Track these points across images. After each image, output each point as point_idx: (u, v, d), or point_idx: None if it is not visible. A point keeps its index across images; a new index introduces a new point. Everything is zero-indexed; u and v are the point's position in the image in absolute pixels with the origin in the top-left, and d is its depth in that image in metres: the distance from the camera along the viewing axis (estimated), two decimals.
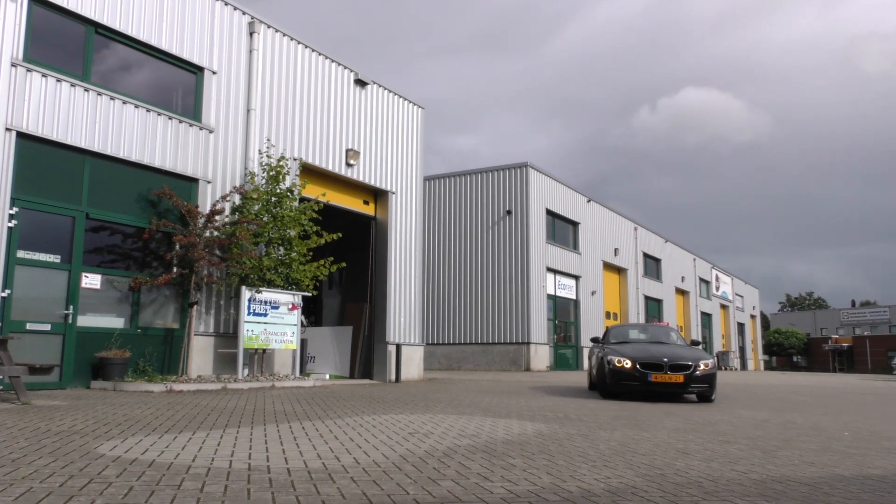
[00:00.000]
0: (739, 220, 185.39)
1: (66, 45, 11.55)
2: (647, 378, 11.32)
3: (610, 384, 11.77)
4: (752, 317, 65.65)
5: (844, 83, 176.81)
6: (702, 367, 11.41)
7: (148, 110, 12.25)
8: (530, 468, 4.75)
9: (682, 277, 46.02)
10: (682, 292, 46.38)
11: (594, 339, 15.00)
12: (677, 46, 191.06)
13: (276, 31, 14.89)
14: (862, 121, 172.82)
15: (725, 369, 45.67)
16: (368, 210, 17.54)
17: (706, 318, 50.74)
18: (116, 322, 11.71)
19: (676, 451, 5.83)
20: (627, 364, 11.53)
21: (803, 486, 4.48)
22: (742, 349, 59.26)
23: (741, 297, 61.20)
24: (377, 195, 17.68)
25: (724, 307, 55.75)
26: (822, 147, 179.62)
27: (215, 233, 12.67)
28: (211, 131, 13.32)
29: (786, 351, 67.12)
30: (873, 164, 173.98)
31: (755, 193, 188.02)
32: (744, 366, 58.30)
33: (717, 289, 53.88)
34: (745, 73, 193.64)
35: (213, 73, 13.50)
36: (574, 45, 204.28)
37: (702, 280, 50.30)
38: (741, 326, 60.28)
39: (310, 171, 15.45)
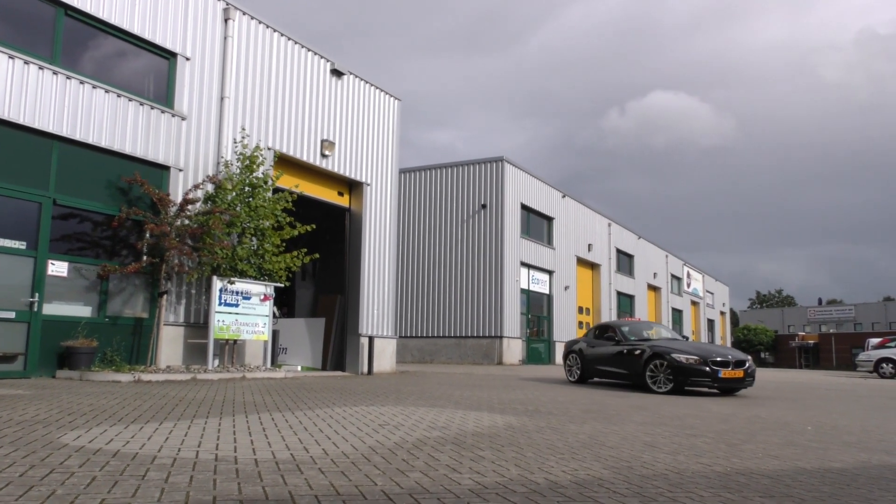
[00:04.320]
0: (710, 218, 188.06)
1: (34, 27, 11.30)
2: (717, 374, 12.10)
3: (676, 381, 12.22)
4: (722, 313, 66.60)
5: (805, 90, 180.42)
6: (749, 362, 12.67)
7: (119, 95, 12.04)
8: (499, 460, 4.76)
9: (655, 274, 46.50)
10: (654, 288, 46.87)
11: (586, 334, 15.54)
12: (647, 50, 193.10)
13: (252, 18, 14.71)
14: (822, 126, 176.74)
15: None
16: (343, 201, 17.44)
17: (677, 314, 51.36)
18: (84, 311, 11.52)
19: (644, 444, 5.90)
20: (695, 360, 12.18)
21: (766, 478, 4.56)
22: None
23: (711, 293, 62.04)
24: (352, 187, 17.59)
25: (694, 304, 56.47)
26: (786, 150, 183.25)
27: (187, 222, 12.51)
28: (184, 118, 13.13)
29: (754, 347, 68.28)
30: (836, 166, 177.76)
31: (725, 193, 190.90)
32: None
33: (689, 285, 54.56)
34: (712, 78, 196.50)
35: (187, 59, 13.30)
36: (549, 45, 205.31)
37: (674, 277, 50.89)
38: (711, 323, 61.12)
39: (284, 162, 15.32)
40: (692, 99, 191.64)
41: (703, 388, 12.63)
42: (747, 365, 12.52)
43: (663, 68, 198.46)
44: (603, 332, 15.12)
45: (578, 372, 15.09)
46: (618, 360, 13.67)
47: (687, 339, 15.87)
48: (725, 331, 67.06)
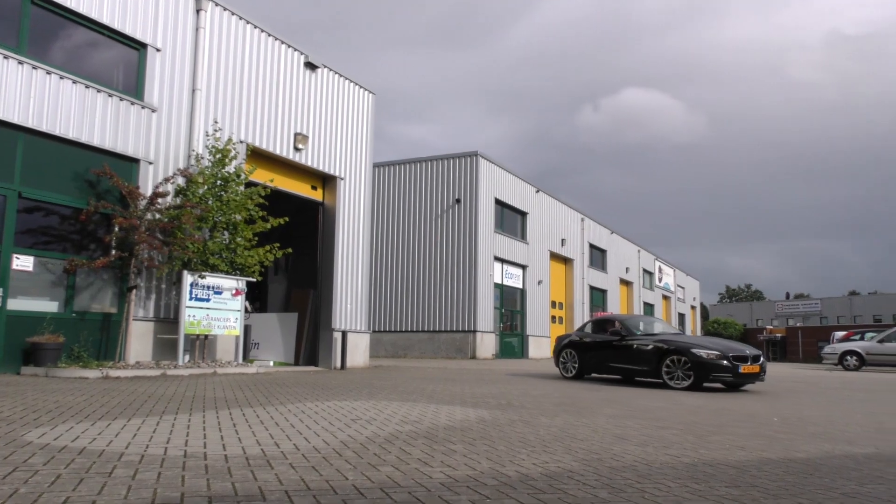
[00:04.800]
0: (682, 214, 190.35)
1: None
2: (738, 369, 12.05)
3: (697, 376, 12.08)
4: (693, 308, 67.50)
5: (775, 88, 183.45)
6: (762, 357, 12.77)
7: (87, 87, 11.82)
8: (471, 454, 4.79)
9: (627, 268, 46.96)
10: (626, 283, 47.33)
11: (579, 330, 15.29)
12: (621, 47, 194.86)
13: (224, 9, 14.53)
14: (791, 124, 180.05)
15: None
16: (316, 195, 17.33)
17: (649, 308, 51.93)
18: (50, 306, 11.32)
19: (614, 436, 5.96)
20: (716, 355, 12.11)
21: (732, 469, 4.63)
22: None
23: (682, 288, 62.84)
24: (325, 181, 17.49)
25: (666, 298, 57.15)
26: (756, 148, 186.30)
27: (157, 216, 12.34)
28: (154, 110, 12.94)
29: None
30: (804, 164, 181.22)
31: (696, 189, 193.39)
32: None
33: (660, 280, 55.19)
34: (684, 75, 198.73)
35: (157, 50, 13.10)
36: (524, 41, 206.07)
37: (645, 271, 51.43)
38: (682, 317, 61.91)
39: (257, 155, 15.18)
40: (664, 96, 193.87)
41: (719, 384, 12.57)
42: (762, 360, 12.58)
43: (636, 65, 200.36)
44: (601, 326, 14.78)
45: (575, 368, 14.58)
46: (626, 356, 13.35)
47: (684, 332, 15.88)
48: (696, 324, 67.97)
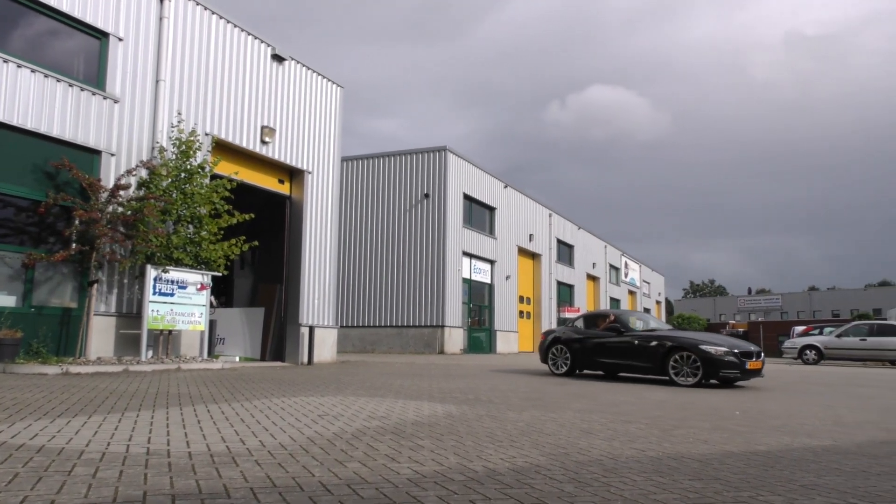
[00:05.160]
0: (648, 210, 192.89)
1: None
2: (744, 365, 12.06)
3: (706, 372, 11.97)
4: (658, 303, 68.47)
5: (736, 87, 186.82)
6: (762, 353, 12.88)
7: (46, 76, 11.52)
8: (438, 449, 4.78)
9: (594, 263, 47.41)
10: (592, 278, 47.79)
11: (564, 322, 15.08)
12: (587, 45, 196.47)
13: None
14: (752, 122, 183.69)
15: None
16: (283, 189, 17.16)
17: (615, 303, 52.52)
18: (7, 300, 11.03)
19: (581, 430, 6.02)
20: (724, 351, 12.06)
21: (695, 462, 4.71)
22: None
23: (648, 283, 63.68)
24: (293, 174, 17.32)
25: (632, 293, 57.86)
26: (718, 145, 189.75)
27: (120, 209, 12.10)
28: (116, 101, 12.67)
29: None
30: (765, 161, 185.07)
31: (661, 186, 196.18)
32: None
33: (626, 275, 55.85)
34: (649, 73, 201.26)
35: (120, 39, 12.82)
36: (493, 36, 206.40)
37: (612, 266, 51.99)
38: (647, 311, 62.74)
39: (223, 148, 14.96)
40: (630, 93, 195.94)
41: (715, 380, 12.47)
42: (762, 356, 12.68)
43: (603, 62, 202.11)
44: (592, 321, 14.52)
45: (567, 364, 14.12)
46: (626, 352, 13.09)
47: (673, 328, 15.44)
48: (661, 319, 68.96)
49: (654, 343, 12.71)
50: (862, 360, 26.64)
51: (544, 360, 14.82)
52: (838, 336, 26.87)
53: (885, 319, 40.38)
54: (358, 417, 6.31)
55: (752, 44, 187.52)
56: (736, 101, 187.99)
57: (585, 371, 14.39)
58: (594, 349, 13.72)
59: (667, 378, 12.49)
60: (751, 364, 12.16)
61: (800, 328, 38.83)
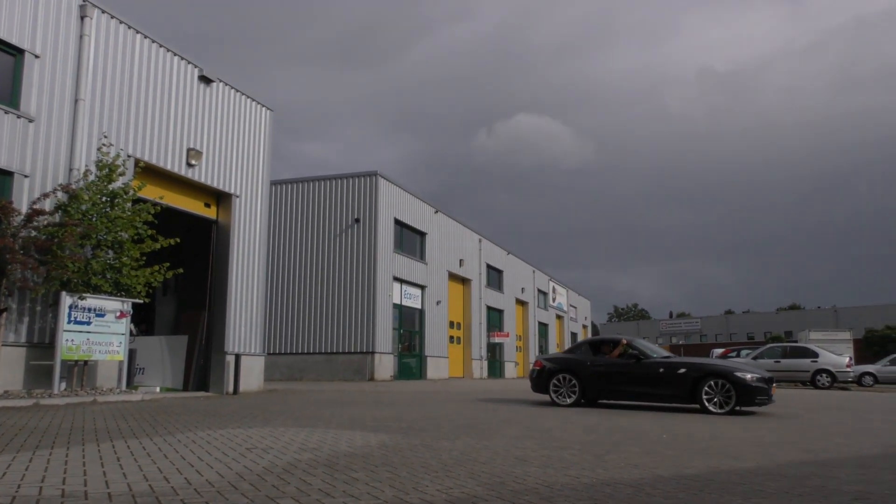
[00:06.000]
0: (574, 235, 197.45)
1: None
2: (769, 390, 11.98)
3: (740, 400, 11.76)
4: (585, 327, 69.83)
5: (654, 118, 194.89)
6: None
7: None
8: (373, 481, 4.68)
9: (523, 288, 48.02)
10: (521, 303, 48.36)
11: (572, 349, 14.21)
12: (515, 73, 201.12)
13: (112, 17, 13.83)
14: (669, 153, 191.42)
15: None
16: (210, 213, 16.71)
17: (543, 327, 53.26)
18: None
19: (515, 458, 6.01)
20: (758, 378, 11.94)
21: (629, 487, 4.76)
22: None
23: (575, 307, 64.90)
24: (220, 198, 16.90)
25: (559, 317, 58.83)
26: (638, 173, 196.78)
27: (34, 233, 11.49)
28: (31, 120, 12.10)
29: None
30: (681, 190, 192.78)
31: (586, 212, 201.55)
32: None
33: (554, 300, 56.78)
34: (573, 102, 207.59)
35: (36, 56, 12.29)
36: (421, 63, 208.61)
37: (540, 291, 52.77)
38: (574, 336, 63.87)
39: (147, 170, 14.45)
40: (555, 122, 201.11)
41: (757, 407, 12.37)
42: (774, 381, 12.74)
43: (529, 91, 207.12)
44: (597, 348, 13.66)
45: (574, 394, 13.10)
46: (649, 380, 12.49)
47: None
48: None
49: (682, 370, 12.24)
50: (776, 382, 27.79)
51: (541, 389, 13.66)
52: (754, 358, 27.97)
53: (797, 342, 42.38)
54: (288, 450, 6.12)
55: (669, 78, 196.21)
56: (654, 132, 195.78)
57: (600, 401, 13.44)
58: (610, 377, 12.92)
59: (697, 406, 12.14)
60: (773, 389, 12.25)
61: (718, 351, 40.26)
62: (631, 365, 12.78)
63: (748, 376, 11.90)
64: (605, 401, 13.40)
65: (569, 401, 13.16)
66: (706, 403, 11.95)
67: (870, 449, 7.70)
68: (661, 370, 12.45)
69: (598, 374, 13.04)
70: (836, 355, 28.04)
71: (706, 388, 12.00)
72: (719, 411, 11.81)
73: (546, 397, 13.61)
